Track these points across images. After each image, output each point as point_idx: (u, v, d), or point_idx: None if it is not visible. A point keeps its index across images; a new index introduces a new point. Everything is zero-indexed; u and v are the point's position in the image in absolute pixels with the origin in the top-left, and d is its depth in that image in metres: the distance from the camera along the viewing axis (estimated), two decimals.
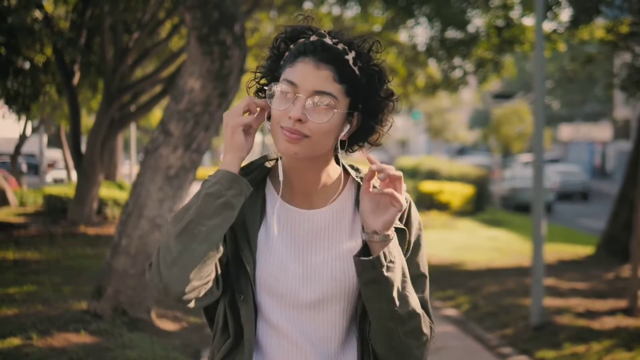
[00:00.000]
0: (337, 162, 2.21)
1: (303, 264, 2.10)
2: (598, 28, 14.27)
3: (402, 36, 19.47)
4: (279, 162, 2.16)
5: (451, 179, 28.33)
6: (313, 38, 2.05)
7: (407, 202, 2.18)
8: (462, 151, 72.03)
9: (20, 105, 16.40)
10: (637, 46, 11.33)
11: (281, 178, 2.13)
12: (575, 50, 22.49)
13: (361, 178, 2.20)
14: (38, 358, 6.67)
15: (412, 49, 18.48)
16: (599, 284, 11.57)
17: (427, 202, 24.48)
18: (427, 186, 25.68)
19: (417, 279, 2.21)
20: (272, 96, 2.07)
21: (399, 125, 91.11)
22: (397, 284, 2.06)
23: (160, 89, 17.60)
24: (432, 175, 29.71)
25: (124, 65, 16.44)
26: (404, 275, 2.10)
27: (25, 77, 15.65)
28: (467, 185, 26.96)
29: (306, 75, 2.01)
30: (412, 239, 2.21)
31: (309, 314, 2.10)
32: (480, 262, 14.22)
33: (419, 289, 2.21)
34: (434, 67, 19.44)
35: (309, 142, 2.02)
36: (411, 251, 2.21)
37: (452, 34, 16.70)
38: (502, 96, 31.86)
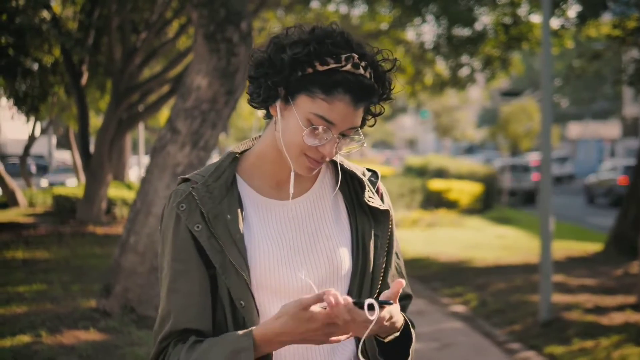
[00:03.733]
0: None
1: (296, 253, 2.07)
2: (605, 24, 14.24)
3: (410, 34, 19.47)
4: (244, 156, 2.16)
5: (460, 177, 28.30)
6: (349, 68, 1.95)
7: (378, 179, 2.24)
8: (470, 150, 71.96)
9: (29, 106, 16.50)
10: None
11: (291, 190, 2.09)
12: (582, 47, 22.43)
13: (341, 160, 2.21)
14: (47, 355, 6.72)
15: (419, 47, 18.48)
16: (608, 281, 11.55)
17: (435, 200, 24.46)
18: (436, 184, 25.66)
19: (397, 258, 2.26)
20: (285, 108, 2.01)
21: (407, 124, 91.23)
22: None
23: (168, 89, 17.63)
24: (441, 173, 29.67)
25: (131, 65, 16.49)
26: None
27: (33, 78, 15.73)
28: (476, 183, 26.93)
29: (345, 116, 1.96)
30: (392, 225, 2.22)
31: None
32: (488, 259, 14.20)
33: (402, 270, 2.28)
34: (441, 65, 19.43)
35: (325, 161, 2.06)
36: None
37: (459, 31, 16.68)
38: (510, 94, 31.79)
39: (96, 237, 14.77)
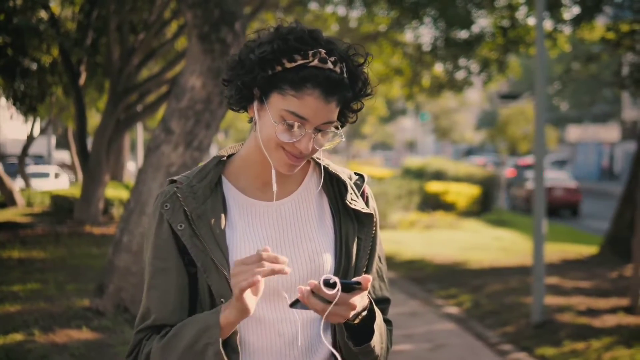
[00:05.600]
0: None
1: (278, 254, 1.98)
2: (599, 27, 14.25)
3: (408, 36, 19.51)
4: (231, 159, 2.18)
5: (457, 179, 28.35)
6: (316, 63, 1.98)
7: (364, 183, 2.26)
8: (469, 152, 72.00)
9: (28, 106, 16.50)
10: (638, 44, 11.36)
11: (274, 189, 2.10)
12: (580, 49, 22.49)
13: (327, 163, 2.22)
14: (40, 354, 6.74)
15: (417, 49, 18.52)
16: (602, 283, 11.58)
17: (433, 203, 24.49)
18: (433, 187, 25.69)
19: (379, 261, 2.28)
20: (261, 109, 2.04)
21: (407, 126, 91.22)
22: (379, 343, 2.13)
23: (166, 89, 17.66)
24: (439, 175, 29.71)
25: (130, 66, 16.51)
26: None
27: (32, 78, 15.74)
28: (474, 186, 26.97)
29: (316, 111, 1.98)
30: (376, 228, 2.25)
31: (292, 297, 2.04)
32: (484, 261, 14.23)
33: (383, 274, 2.30)
34: (439, 68, 19.47)
35: (305, 158, 2.06)
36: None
37: (456, 34, 16.72)
38: (509, 96, 31.82)
39: (93, 237, 14.79)
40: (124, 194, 19.29)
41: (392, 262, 13.86)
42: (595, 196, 36.67)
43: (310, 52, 1.99)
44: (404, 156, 67.77)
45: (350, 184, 2.21)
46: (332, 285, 1.85)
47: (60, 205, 18.86)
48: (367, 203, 2.24)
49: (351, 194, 2.19)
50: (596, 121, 55.14)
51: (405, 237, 18.15)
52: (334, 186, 2.22)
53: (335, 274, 2.13)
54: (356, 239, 2.17)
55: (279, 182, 2.13)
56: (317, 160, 2.22)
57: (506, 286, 11.43)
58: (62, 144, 47.70)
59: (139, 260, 7.82)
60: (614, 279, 11.98)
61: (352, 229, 2.17)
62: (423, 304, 10.59)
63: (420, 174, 30.72)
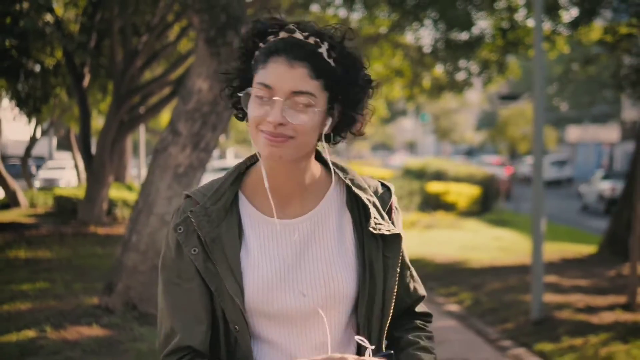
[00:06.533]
0: (321, 160, 2.14)
1: (293, 278, 2.02)
2: (598, 28, 14.40)
3: (408, 38, 19.67)
4: (250, 171, 2.10)
5: (458, 179, 28.52)
6: (283, 35, 1.96)
7: (390, 197, 2.17)
8: (470, 152, 72.15)
9: (31, 107, 16.65)
10: (634, 47, 11.55)
11: (267, 183, 2.03)
12: (578, 51, 22.64)
13: (351, 180, 2.12)
14: (52, 350, 6.92)
15: (417, 50, 18.69)
16: (601, 281, 11.76)
17: (433, 203, 24.67)
18: (434, 187, 25.86)
19: (409, 271, 2.25)
20: (247, 100, 1.98)
21: (407, 127, 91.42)
22: None
23: (169, 91, 17.82)
24: (439, 176, 29.88)
25: (133, 68, 16.65)
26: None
27: (35, 80, 15.88)
28: (474, 186, 27.15)
29: (281, 76, 1.91)
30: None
31: (306, 325, 2.03)
32: (484, 260, 14.41)
33: (414, 281, 2.27)
34: (439, 69, 19.64)
35: (293, 143, 1.93)
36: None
37: (456, 35, 16.88)
38: (509, 97, 32.02)
39: (97, 238, 14.95)
40: (127, 195, 19.45)
41: None
42: None
43: (280, 29, 1.98)
44: (401, 156, 67.94)
45: (373, 205, 2.10)
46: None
47: (63, 205, 18.98)
48: (393, 220, 2.15)
49: (375, 218, 2.08)
50: (596, 122, 55.21)
51: (406, 236, 18.27)
52: (358, 204, 2.11)
53: (360, 298, 2.05)
54: (382, 258, 2.08)
55: (302, 196, 2.06)
56: (344, 179, 2.11)
57: (506, 284, 11.61)
58: (63, 145, 47.86)
59: (147, 259, 8.00)
60: (612, 277, 12.15)
61: (377, 249, 2.08)
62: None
63: (420, 175, 30.89)
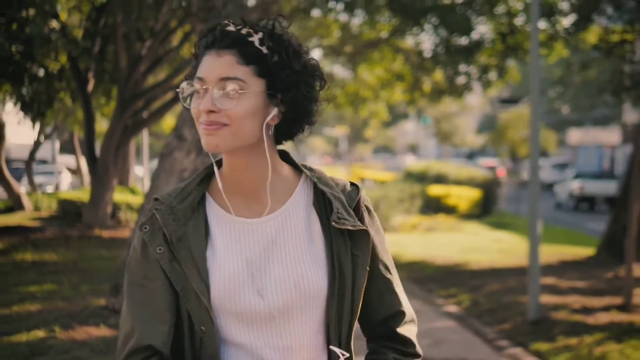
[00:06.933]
0: (288, 161, 2.14)
1: (260, 278, 2.00)
2: (595, 31, 14.55)
3: (409, 43, 19.84)
4: (216, 173, 2.04)
5: (459, 182, 28.70)
6: (217, 30, 1.97)
7: (357, 194, 2.13)
8: (471, 155, 72.37)
9: (36, 111, 16.83)
10: (627, 54, 11.75)
11: (222, 188, 2.03)
12: (577, 56, 22.83)
13: (317, 178, 2.10)
14: (62, 349, 7.14)
15: (418, 55, 18.88)
16: (598, 283, 11.96)
17: (434, 206, 24.87)
18: (435, 190, 26.05)
19: (387, 272, 2.18)
20: (188, 98, 2.00)
21: (409, 130, 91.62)
22: None
23: (172, 96, 18.01)
24: (440, 179, 30.06)
25: (137, 73, 16.82)
26: None
27: (40, 84, 16.06)
28: (475, 189, 27.35)
29: (210, 66, 1.93)
30: (376, 238, 2.13)
31: (275, 325, 2.00)
32: (484, 262, 14.61)
33: (390, 292, 2.18)
34: (440, 74, 19.81)
35: (228, 131, 1.93)
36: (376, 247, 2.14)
37: (456, 40, 17.05)
38: (509, 101, 32.23)
39: (102, 240, 15.14)
40: (131, 198, 19.66)
41: (394, 264, 14.26)
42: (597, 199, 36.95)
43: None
44: (405, 160, 68.09)
45: (338, 200, 2.07)
46: None
47: (67, 209, 19.17)
48: (361, 217, 2.09)
49: (338, 212, 2.04)
50: (597, 124, 55.34)
51: (407, 239, 18.53)
52: (325, 202, 2.09)
53: (330, 294, 2.03)
54: (351, 256, 2.05)
55: (266, 193, 2.04)
56: (311, 177, 2.10)
57: (504, 286, 11.82)
58: (66, 148, 48.09)
59: None
60: (609, 279, 12.35)
61: (345, 247, 2.04)
62: (424, 303, 10.99)
63: (422, 178, 31.06)
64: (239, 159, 2.00)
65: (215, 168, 2.03)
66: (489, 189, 28.52)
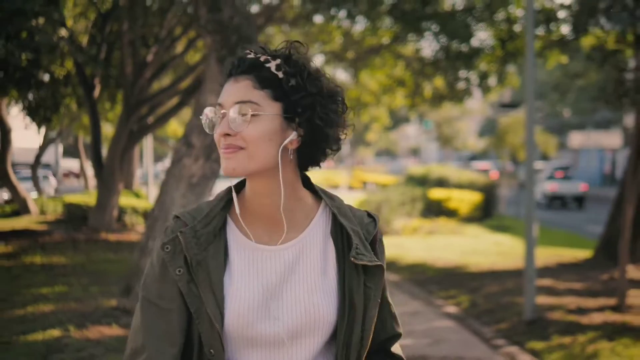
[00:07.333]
0: (309, 187, 2.17)
1: (273, 304, 2.03)
2: (588, 42, 14.79)
3: (410, 48, 20.08)
4: (234, 199, 2.08)
5: (460, 186, 28.92)
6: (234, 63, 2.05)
7: (374, 228, 2.17)
8: (473, 159, 72.56)
9: (42, 117, 17.09)
10: (621, 61, 12.04)
11: (238, 212, 2.07)
12: (575, 62, 23.07)
13: (337, 208, 2.13)
14: (76, 348, 7.47)
15: (418, 61, 19.14)
16: (594, 285, 12.23)
17: (435, 209, 25.09)
18: (436, 193, 26.28)
19: (389, 297, 2.26)
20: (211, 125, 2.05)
21: (410, 133, 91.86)
22: None
23: (176, 101, 18.28)
24: (441, 182, 30.25)
25: (142, 79, 17.09)
26: None
27: (46, 90, 16.30)
28: (475, 193, 27.58)
29: (228, 91, 2.00)
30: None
31: (283, 350, 2.04)
32: (483, 265, 14.87)
33: (391, 317, 2.27)
34: (440, 79, 20.05)
35: (245, 154, 1.97)
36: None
37: (457, 47, 17.29)
38: (509, 105, 32.54)
39: (109, 244, 15.42)
40: (135, 202, 19.92)
41: (395, 266, 14.59)
42: (598, 202, 37.19)
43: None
44: (407, 164, 68.26)
45: (357, 235, 2.11)
46: None
47: (73, 213, 19.39)
48: (376, 250, 2.14)
49: (357, 248, 2.07)
50: (598, 127, 55.44)
51: (408, 242, 18.81)
52: (342, 233, 2.12)
53: (339, 325, 2.07)
54: (363, 288, 2.09)
55: (286, 220, 2.07)
56: (331, 207, 2.13)
57: (502, 287, 12.11)
58: (68, 152, 48.43)
59: None
60: (605, 280, 12.62)
61: (358, 279, 2.08)
62: (424, 304, 11.30)
63: (423, 181, 31.27)
64: (259, 184, 2.03)
65: (234, 194, 2.07)
66: (489, 192, 28.78)
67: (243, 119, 1.95)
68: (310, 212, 2.12)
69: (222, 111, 1.98)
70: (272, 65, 1.99)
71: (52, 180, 32.66)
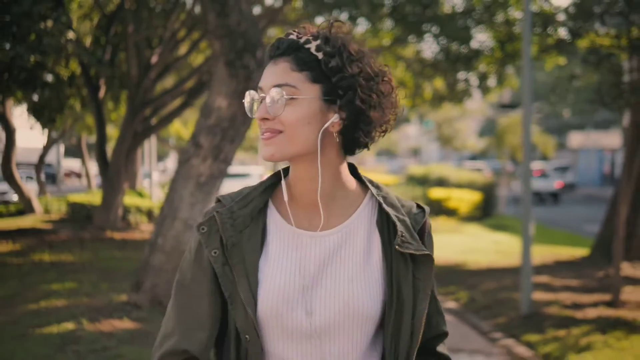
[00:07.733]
0: (356, 175, 2.09)
1: (310, 293, 1.95)
2: (584, 44, 15.01)
3: (410, 50, 20.29)
4: (282, 181, 2.01)
5: (460, 186, 29.15)
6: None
7: (423, 218, 2.08)
8: (473, 159, 72.74)
9: (47, 117, 17.33)
10: (615, 64, 12.32)
11: (286, 198, 1.99)
12: (574, 63, 23.28)
13: (383, 197, 2.05)
14: (90, 339, 7.78)
15: (419, 62, 19.37)
16: (589, 281, 12.50)
17: (435, 208, 25.27)
18: (436, 193, 26.49)
19: (436, 302, 2.15)
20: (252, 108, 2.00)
21: (411, 133, 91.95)
22: None
23: (180, 102, 18.51)
24: (441, 182, 30.46)
25: (147, 80, 17.30)
26: None
27: (51, 91, 16.52)
28: (475, 192, 27.82)
29: (266, 74, 1.94)
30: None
31: (322, 341, 1.95)
32: (482, 262, 15.16)
33: (438, 314, 2.15)
34: (440, 80, 20.28)
35: (283, 137, 1.90)
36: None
37: (456, 48, 17.50)
38: (508, 106, 32.83)
39: (115, 242, 15.68)
40: (139, 202, 20.14)
41: None
42: (597, 202, 37.41)
43: None
44: (407, 163, 68.41)
45: (403, 224, 2.02)
46: None
47: (77, 212, 19.57)
48: (425, 241, 2.04)
49: (402, 236, 1.98)
50: (598, 128, 55.60)
51: None
52: (389, 223, 2.03)
53: (387, 320, 1.98)
54: (412, 280, 1.98)
55: (329, 206, 1.99)
56: (377, 196, 2.05)
57: (500, 284, 12.41)
58: (70, 152, 48.64)
59: (171, 259, 8.84)
60: (600, 277, 12.88)
61: (406, 270, 1.98)
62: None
63: (423, 181, 31.47)
64: (300, 169, 1.96)
65: (282, 176, 2.02)
66: (489, 192, 29.02)
67: (280, 102, 1.89)
68: (356, 200, 2.04)
69: (262, 95, 1.93)
70: (312, 45, 1.92)
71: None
